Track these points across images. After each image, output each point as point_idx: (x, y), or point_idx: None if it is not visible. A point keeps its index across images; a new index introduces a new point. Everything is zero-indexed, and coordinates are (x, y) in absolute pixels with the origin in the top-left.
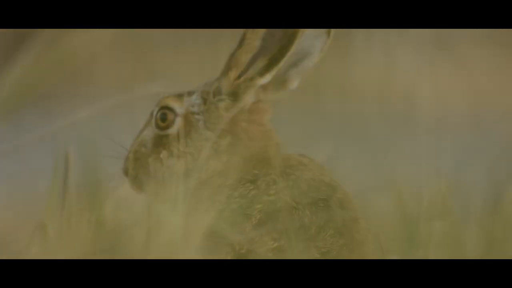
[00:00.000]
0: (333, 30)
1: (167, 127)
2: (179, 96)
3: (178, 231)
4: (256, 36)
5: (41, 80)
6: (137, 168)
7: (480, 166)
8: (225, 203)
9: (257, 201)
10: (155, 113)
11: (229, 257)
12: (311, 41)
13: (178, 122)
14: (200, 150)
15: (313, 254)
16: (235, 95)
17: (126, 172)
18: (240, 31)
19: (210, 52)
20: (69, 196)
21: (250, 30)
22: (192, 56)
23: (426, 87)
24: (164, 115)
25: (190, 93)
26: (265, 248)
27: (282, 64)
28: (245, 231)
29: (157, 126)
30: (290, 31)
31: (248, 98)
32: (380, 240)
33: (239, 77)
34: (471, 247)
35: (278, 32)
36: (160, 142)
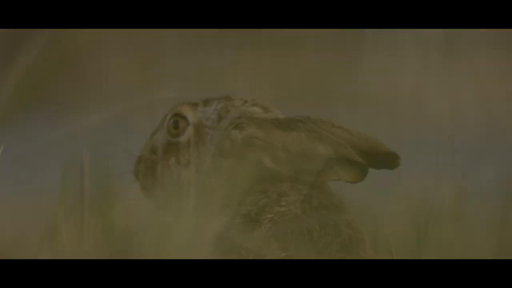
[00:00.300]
0: None
1: (178, 135)
2: (194, 105)
3: (186, 236)
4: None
5: (52, 84)
6: (146, 173)
7: (490, 169)
8: (235, 210)
9: (268, 210)
10: (168, 119)
11: None
12: None
13: (189, 131)
14: (203, 163)
15: None
16: (246, 146)
17: (136, 175)
18: (246, 32)
19: (218, 54)
20: (80, 200)
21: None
22: (201, 59)
23: (436, 90)
24: (176, 123)
25: (206, 103)
26: (273, 256)
27: None
28: (254, 239)
29: (169, 132)
30: None
31: (251, 156)
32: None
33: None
34: (481, 251)
35: None
36: (170, 148)
